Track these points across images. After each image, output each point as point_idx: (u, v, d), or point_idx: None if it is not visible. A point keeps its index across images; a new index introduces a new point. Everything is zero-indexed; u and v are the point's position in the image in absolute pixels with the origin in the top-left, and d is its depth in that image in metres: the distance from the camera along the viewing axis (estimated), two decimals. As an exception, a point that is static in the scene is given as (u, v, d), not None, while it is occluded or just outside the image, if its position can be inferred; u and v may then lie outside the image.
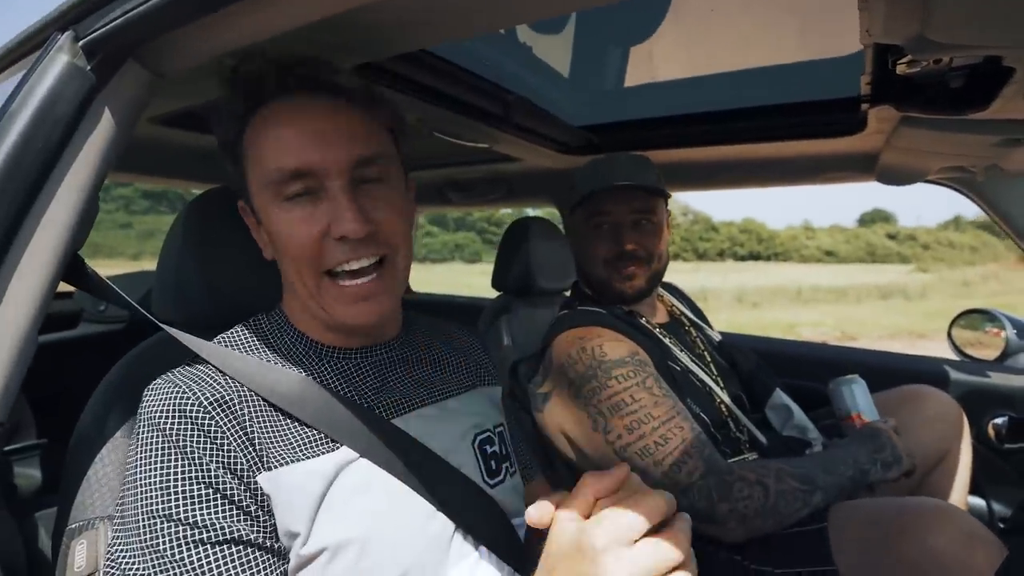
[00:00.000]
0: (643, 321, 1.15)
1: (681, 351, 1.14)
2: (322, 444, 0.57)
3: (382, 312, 0.61)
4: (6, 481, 1.25)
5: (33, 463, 1.37)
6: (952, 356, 1.59)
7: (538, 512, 0.46)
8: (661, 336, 1.14)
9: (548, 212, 2.20)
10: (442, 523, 0.60)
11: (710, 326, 1.37)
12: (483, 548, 0.62)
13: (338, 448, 0.58)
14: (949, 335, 1.61)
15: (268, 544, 0.53)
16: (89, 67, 0.56)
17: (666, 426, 0.92)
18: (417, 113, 1.10)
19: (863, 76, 0.83)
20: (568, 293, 1.63)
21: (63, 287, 0.60)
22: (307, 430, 0.58)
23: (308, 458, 0.56)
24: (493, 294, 1.58)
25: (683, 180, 1.54)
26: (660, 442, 0.91)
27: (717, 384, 1.14)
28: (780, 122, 1.20)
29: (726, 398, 1.12)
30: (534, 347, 1.25)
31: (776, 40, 1.14)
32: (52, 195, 0.55)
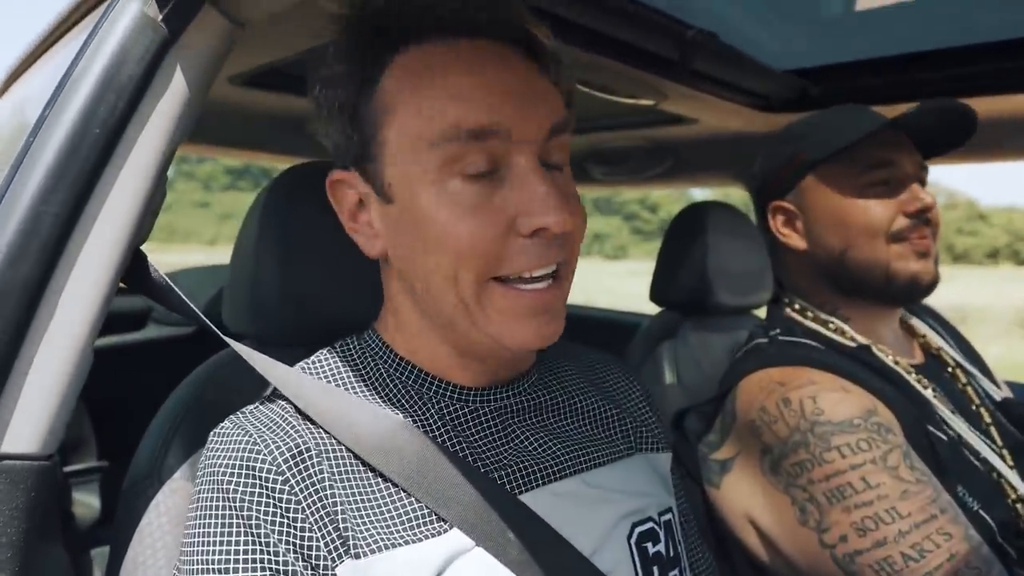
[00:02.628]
0: (890, 361, 1.01)
1: (951, 411, 0.99)
2: (426, 523, 0.56)
3: (556, 333, 0.59)
4: (63, 509, 1.43)
5: (92, 489, 1.56)
6: None
7: None
8: (918, 385, 0.99)
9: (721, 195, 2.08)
10: None
11: (988, 371, 1.19)
12: None
13: (447, 531, 0.56)
14: None
15: None
16: (161, 17, 0.60)
17: (922, 530, 0.80)
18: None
19: None
20: (763, 312, 1.51)
21: None
22: (407, 500, 0.57)
23: (408, 542, 0.54)
24: (642, 304, 1.51)
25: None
26: (912, 555, 0.79)
27: (1006, 464, 0.98)
28: None
29: (1023, 488, 0.95)
30: (709, 389, 1.17)
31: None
32: (115, 177, 0.59)
